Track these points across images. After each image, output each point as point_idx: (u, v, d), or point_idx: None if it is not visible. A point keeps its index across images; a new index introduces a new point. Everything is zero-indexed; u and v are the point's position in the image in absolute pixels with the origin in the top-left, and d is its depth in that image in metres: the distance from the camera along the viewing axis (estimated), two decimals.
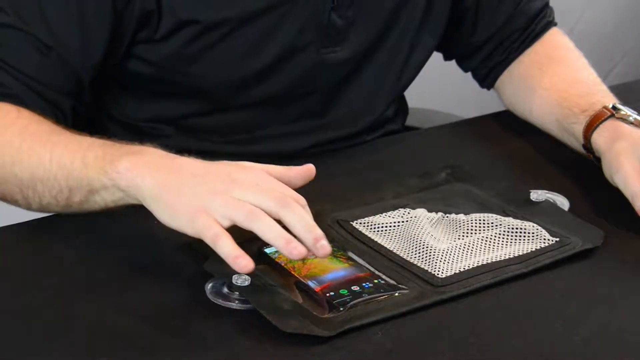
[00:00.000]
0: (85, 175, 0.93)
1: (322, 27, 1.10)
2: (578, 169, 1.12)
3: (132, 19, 1.03)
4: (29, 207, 1.00)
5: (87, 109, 1.09)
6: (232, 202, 0.85)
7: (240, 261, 0.83)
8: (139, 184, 0.89)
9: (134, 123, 1.13)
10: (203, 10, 1.04)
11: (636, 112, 1.08)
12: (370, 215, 1.00)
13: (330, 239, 0.95)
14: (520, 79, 1.25)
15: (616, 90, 1.16)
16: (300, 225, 0.84)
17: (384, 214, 1.00)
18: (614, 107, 1.09)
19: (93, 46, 1.03)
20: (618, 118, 1.08)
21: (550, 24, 1.26)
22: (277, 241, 0.83)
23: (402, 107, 1.29)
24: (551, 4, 1.28)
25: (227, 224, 0.85)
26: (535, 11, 1.24)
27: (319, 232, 0.84)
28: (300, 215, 0.84)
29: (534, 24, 1.24)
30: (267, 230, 0.84)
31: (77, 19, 1.01)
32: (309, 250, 0.83)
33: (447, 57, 1.29)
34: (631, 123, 1.07)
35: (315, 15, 1.09)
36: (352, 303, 0.87)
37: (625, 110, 1.08)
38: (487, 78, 1.28)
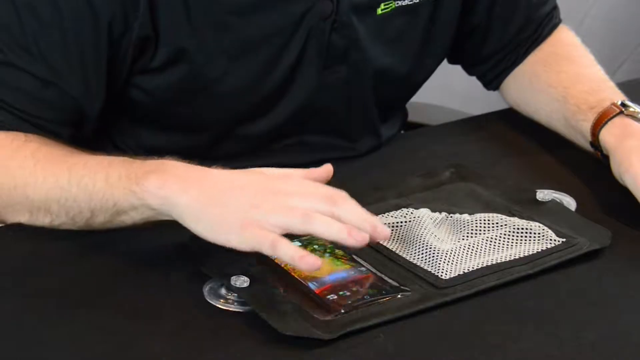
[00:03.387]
0: (111, 196, 0.92)
1: (323, 48, 1.07)
2: (585, 168, 1.11)
3: (129, 48, 1.01)
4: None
5: (88, 136, 1.07)
6: (283, 210, 0.85)
7: (308, 259, 0.83)
8: (173, 202, 0.88)
9: (135, 151, 1.11)
10: (198, 38, 1.02)
11: None
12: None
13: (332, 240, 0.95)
14: (524, 77, 1.23)
15: (624, 87, 1.16)
16: (355, 218, 0.86)
17: (386, 214, 0.98)
18: (622, 104, 1.08)
19: (94, 79, 1.02)
20: (627, 115, 1.06)
21: (557, 25, 1.25)
22: (340, 234, 0.85)
23: (403, 119, 1.28)
24: None
25: (279, 232, 0.85)
26: (543, 16, 1.23)
27: (373, 219, 0.87)
28: (353, 209, 0.86)
29: (541, 28, 1.23)
30: (327, 228, 0.85)
31: (75, 54, 1.00)
32: (370, 237, 0.85)
33: (451, 62, 1.28)
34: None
35: (316, 37, 1.07)
36: (353, 305, 0.86)
37: (635, 108, 1.07)
38: (493, 82, 1.27)
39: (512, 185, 1.06)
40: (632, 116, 1.06)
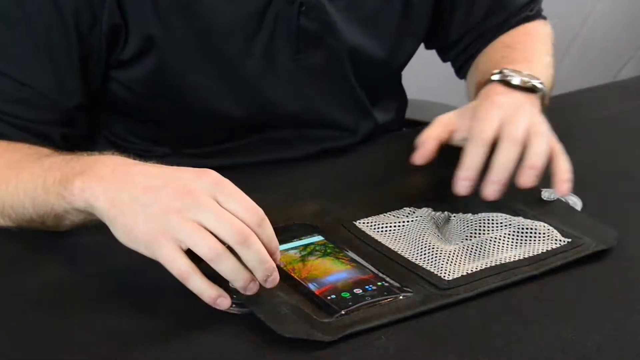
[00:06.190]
0: (47, 201, 0.91)
1: (293, 33, 1.06)
2: (591, 167, 1.10)
3: (101, 40, 1.01)
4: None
5: (84, 131, 1.08)
6: (192, 230, 0.81)
7: (219, 302, 0.82)
8: (93, 205, 0.86)
9: (126, 145, 1.11)
10: (164, 25, 1.02)
11: (533, 79, 1.04)
12: (373, 215, 0.97)
13: (331, 240, 0.94)
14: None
15: (631, 84, 1.14)
16: (256, 262, 0.82)
17: (388, 213, 0.98)
18: (502, 71, 1.05)
19: (68, 75, 1.02)
20: (499, 81, 1.04)
21: (530, 18, 1.23)
22: (236, 283, 0.83)
23: (400, 104, 1.26)
24: None
25: (186, 247, 0.82)
26: (516, 7, 1.22)
27: (272, 266, 0.83)
28: (256, 252, 0.82)
29: (511, 18, 1.22)
30: (227, 273, 0.82)
31: (45, 53, 1.00)
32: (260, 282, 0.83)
33: (427, 47, 1.27)
34: (513, 86, 1.03)
35: (284, 22, 1.06)
36: (354, 306, 0.84)
37: (513, 74, 1.04)
38: (461, 70, 1.26)
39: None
40: (505, 82, 1.04)
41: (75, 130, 1.05)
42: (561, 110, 1.31)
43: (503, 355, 0.81)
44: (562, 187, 0.97)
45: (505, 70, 1.05)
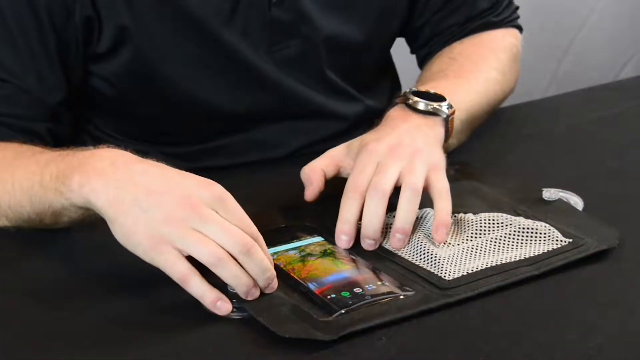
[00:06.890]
0: (45, 198, 0.90)
1: (266, 24, 1.06)
2: (592, 167, 1.10)
3: (77, 33, 1.02)
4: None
5: (70, 127, 1.08)
6: (194, 239, 0.82)
7: (219, 305, 0.83)
8: (92, 202, 0.86)
9: (111, 143, 1.11)
10: (136, 15, 1.02)
11: (441, 101, 1.03)
12: None
13: (331, 240, 0.94)
14: None
15: (630, 84, 1.13)
16: (258, 271, 0.84)
17: (388, 213, 0.96)
18: (405, 94, 1.04)
19: (48, 71, 1.02)
20: (407, 105, 1.03)
21: (493, 25, 1.22)
22: (238, 288, 0.84)
23: (393, 88, 1.27)
24: None
25: (186, 254, 0.83)
26: (479, 10, 1.21)
27: (272, 274, 0.85)
28: (259, 261, 0.84)
29: (472, 22, 1.21)
30: (230, 278, 0.83)
31: (24, 50, 1.00)
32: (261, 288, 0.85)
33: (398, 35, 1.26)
34: (418, 110, 1.02)
35: (256, 13, 1.06)
36: (354, 306, 0.84)
37: (416, 99, 1.03)
38: (421, 65, 1.25)
39: (517, 184, 1.04)
40: (410, 106, 1.03)
41: (61, 126, 1.05)
42: (561, 110, 1.31)
43: (504, 356, 0.81)
44: (436, 233, 0.92)
45: (409, 95, 1.04)
